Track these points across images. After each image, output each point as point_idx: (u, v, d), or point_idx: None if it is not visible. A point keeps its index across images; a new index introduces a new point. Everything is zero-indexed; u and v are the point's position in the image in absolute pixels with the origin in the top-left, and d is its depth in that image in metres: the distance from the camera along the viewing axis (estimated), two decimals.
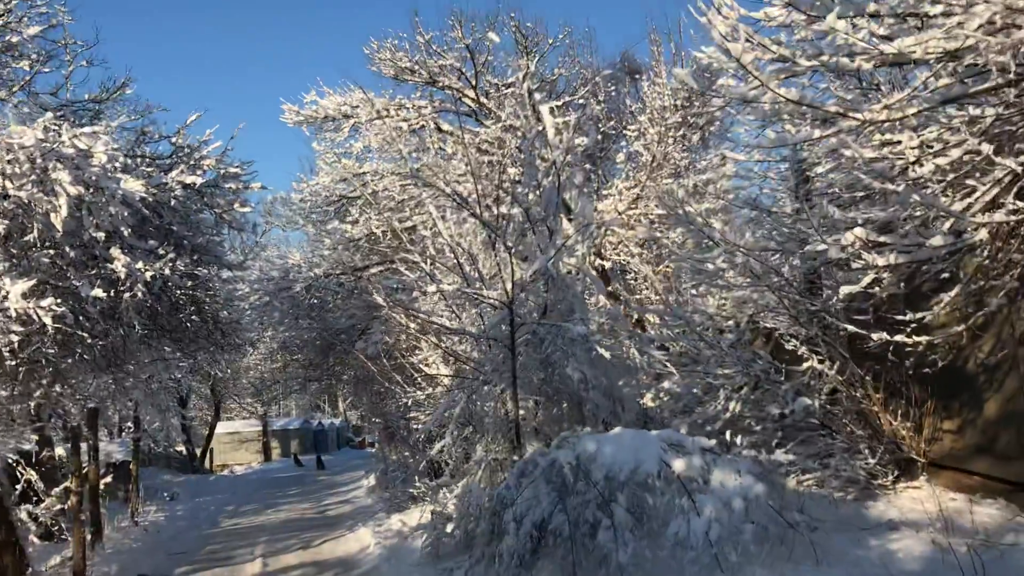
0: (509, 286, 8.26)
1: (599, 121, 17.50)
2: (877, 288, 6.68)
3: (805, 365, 9.22)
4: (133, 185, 8.27)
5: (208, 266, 10.90)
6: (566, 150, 8.62)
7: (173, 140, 10.67)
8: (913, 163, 6.46)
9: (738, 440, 7.36)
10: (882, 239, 5.90)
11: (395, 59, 16.68)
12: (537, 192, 8.58)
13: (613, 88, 18.31)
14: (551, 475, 7.26)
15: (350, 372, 22.18)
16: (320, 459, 41.84)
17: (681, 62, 16.60)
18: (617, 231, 15.97)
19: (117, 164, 8.45)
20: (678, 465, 6.85)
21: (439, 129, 17.12)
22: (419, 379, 10.44)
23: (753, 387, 9.76)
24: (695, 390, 9.85)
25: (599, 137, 17.16)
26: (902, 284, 7.06)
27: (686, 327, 9.71)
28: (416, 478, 11.21)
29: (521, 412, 8.66)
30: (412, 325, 9.62)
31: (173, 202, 9.98)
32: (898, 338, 6.74)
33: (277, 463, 51.77)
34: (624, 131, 17.50)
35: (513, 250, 8.31)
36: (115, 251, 8.67)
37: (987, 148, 5.24)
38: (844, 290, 6.30)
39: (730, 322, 10.18)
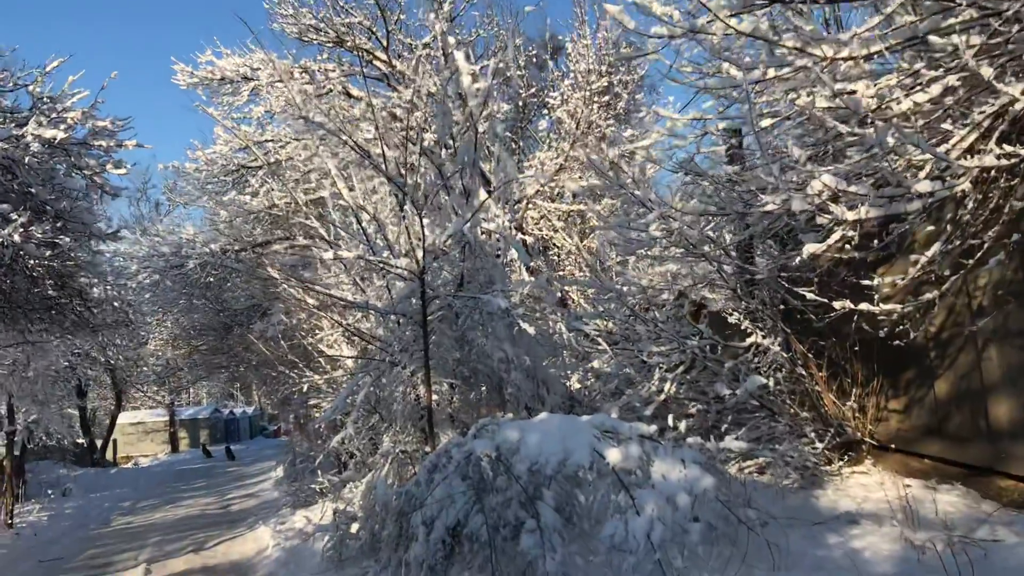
0: (420, 254, 7.18)
1: (520, 88, 16.48)
2: (847, 247, 5.82)
3: (749, 340, 8.41)
4: None
5: (74, 235, 9.46)
6: (484, 99, 7.57)
7: (31, 89, 9.21)
8: (875, 111, 5.63)
9: (681, 426, 6.45)
10: (853, 189, 5.03)
11: (298, 16, 15.33)
12: (451, 147, 7.52)
13: (534, 53, 17.29)
14: (467, 470, 6.24)
15: (253, 357, 20.65)
16: (229, 449, 40.07)
17: (607, 26, 15.71)
18: (539, 204, 15.03)
19: None
20: (613, 455, 5.90)
21: (348, 95, 15.84)
22: (322, 362, 9.28)
23: (690, 365, 8.93)
24: (627, 369, 8.96)
25: (520, 104, 16.16)
26: (875, 241, 6.22)
27: (617, 300, 8.79)
28: (319, 472, 10.04)
29: (435, 397, 7.61)
30: (311, 301, 8.46)
31: (30, 160, 8.57)
32: (864, 306, 5.90)
33: (185, 454, 49.61)
34: (546, 100, 16.54)
35: (425, 213, 7.24)
36: None
37: (988, 72, 4.39)
38: (808, 249, 5.43)
39: (664, 295, 9.32)
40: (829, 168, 5.96)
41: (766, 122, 8.00)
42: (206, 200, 17.05)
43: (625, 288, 9.68)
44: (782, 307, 9.77)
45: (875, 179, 5.53)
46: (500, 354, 7.42)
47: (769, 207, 6.60)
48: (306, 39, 15.81)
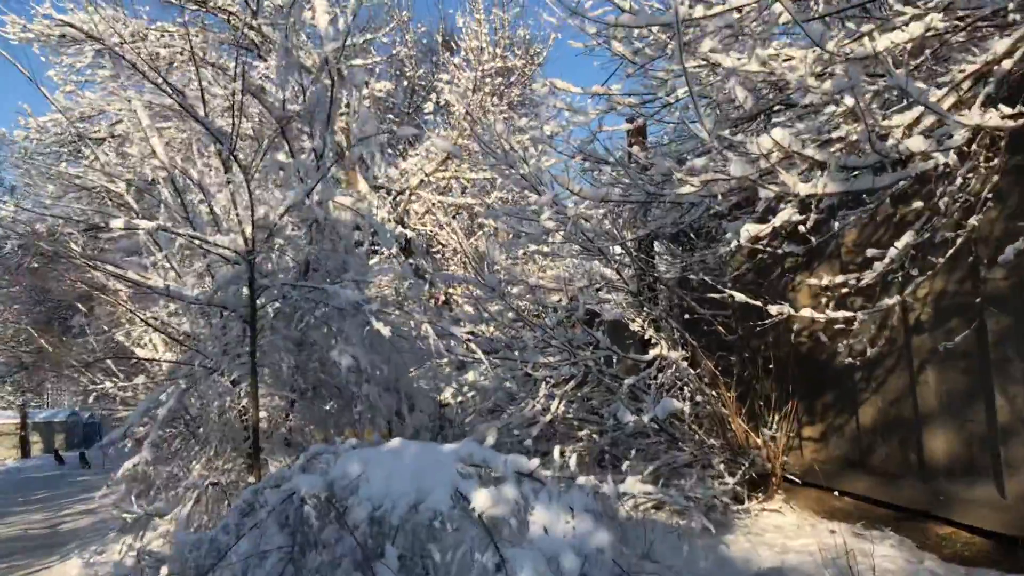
0: (248, 229, 5.57)
1: (405, 68, 14.94)
2: (781, 235, 4.53)
3: (652, 353, 7.12)
4: None
5: None
6: (343, 42, 6.04)
7: None
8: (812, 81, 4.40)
9: (571, 462, 5.05)
10: (810, 152, 3.73)
11: None
12: (298, 97, 5.94)
13: (424, 31, 15.77)
14: (286, 515, 4.66)
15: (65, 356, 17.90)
16: (84, 455, 36.68)
17: (503, 4, 14.34)
18: (424, 196, 13.52)
19: None
20: (481, 499, 4.43)
21: (210, 64, 13.91)
22: (147, 365, 7.47)
23: (582, 381, 7.59)
24: (508, 383, 7.54)
25: (407, 87, 14.61)
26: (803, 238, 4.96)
27: (500, 300, 7.37)
28: (133, 497, 8.22)
29: (264, 414, 6.01)
30: (120, 287, 6.72)
31: None
32: (808, 313, 4.63)
33: (36, 460, 45.48)
34: (435, 84, 15.03)
35: (258, 177, 5.64)
36: None
37: None
38: (749, 229, 4.09)
39: (555, 298, 7.96)
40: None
41: (681, 92, 6.74)
42: (34, 174, 14.77)
43: (513, 289, 8.27)
44: (687, 318, 8.58)
45: (834, 147, 4.27)
46: (349, 361, 5.86)
47: (686, 189, 5.29)
48: None
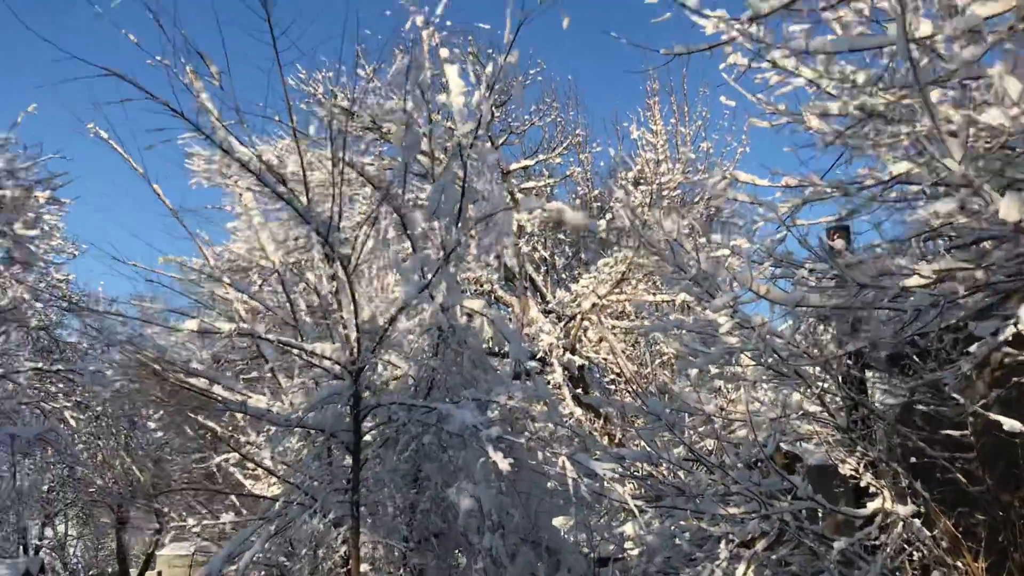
0: (352, 334, 4.61)
1: (579, 188, 14.17)
2: None
3: (871, 506, 5.43)
4: None
5: None
6: (477, 124, 5.15)
7: None
8: None
9: None
10: None
11: (331, 96, 13.45)
12: (417, 178, 5.04)
13: (599, 148, 15.00)
14: None
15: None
16: None
17: (685, 118, 13.34)
18: (595, 320, 12.40)
19: None
20: None
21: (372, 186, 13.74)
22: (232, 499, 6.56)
23: (776, 539, 5.94)
24: (680, 540, 6.01)
25: (579, 203, 13.77)
26: None
27: (668, 433, 5.96)
28: None
29: (367, 567, 4.85)
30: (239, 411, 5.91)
31: None
32: None
33: None
34: (611, 203, 14.12)
35: (365, 272, 4.72)
36: None
37: None
38: None
39: (742, 433, 6.44)
40: None
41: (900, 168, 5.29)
42: (206, 298, 14.90)
43: (687, 420, 6.84)
44: (913, 461, 6.79)
45: None
46: (469, 503, 4.63)
47: (914, 281, 3.86)
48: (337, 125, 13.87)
